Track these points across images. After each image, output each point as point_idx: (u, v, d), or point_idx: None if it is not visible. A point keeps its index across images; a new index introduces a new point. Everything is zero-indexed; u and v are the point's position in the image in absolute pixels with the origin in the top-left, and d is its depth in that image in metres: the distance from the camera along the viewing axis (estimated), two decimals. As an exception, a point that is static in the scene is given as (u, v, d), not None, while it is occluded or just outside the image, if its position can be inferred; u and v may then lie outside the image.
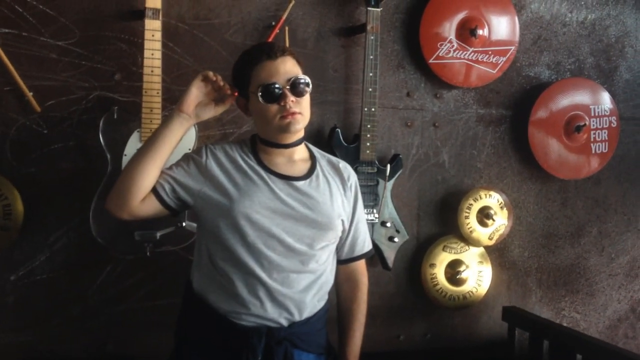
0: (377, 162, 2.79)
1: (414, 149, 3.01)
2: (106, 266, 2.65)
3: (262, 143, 2.03)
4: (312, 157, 2.10)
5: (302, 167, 2.05)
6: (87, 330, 2.66)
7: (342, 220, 2.08)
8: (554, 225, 3.27)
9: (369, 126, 2.74)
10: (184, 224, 2.49)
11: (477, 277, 3.07)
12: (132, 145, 2.48)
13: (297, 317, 2.00)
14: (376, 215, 2.79)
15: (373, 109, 2.73)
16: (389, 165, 2.80)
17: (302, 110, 1.96)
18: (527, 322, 2.97)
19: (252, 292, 1.94)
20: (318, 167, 2.08)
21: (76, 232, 2.61)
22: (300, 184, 2.00)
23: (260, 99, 1.92)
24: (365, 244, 2.21)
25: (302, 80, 1.94)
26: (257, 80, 1.94)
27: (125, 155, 2.48)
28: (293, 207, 1.97)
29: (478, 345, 3.16)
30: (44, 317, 2.62)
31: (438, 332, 3.11)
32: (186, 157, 2.04)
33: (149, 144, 1.97)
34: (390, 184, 2.83)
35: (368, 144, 2.75)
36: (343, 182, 2.12)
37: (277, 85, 1.91)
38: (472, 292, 3.07)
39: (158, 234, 2.49)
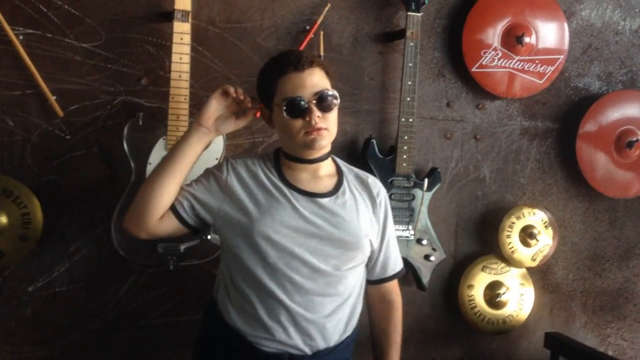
0: (413, 176, 2.65)
1: (453, 162, 2.87)
2: (127, 279, 2.55)
3: (285, 157, 1.93)
4: (339, 172, 1.99)
5: (327, 183, 1.94)
6: (107, 346, 2.57)
7: (370, 240, 1.96)
8: (601, 247, 3.11)
9: (406, 137, 2.61)
10: (209, 237, 2.37)
11: (518, 300, 2.92)
12: (157, 153, 2.39)
13: (321, 345, 1.88)
14: (412, 232, 2.66)
15: (411, 119, 2.60)
16: (426, 180, 2.67)
17: (328, 125, 1.84)
18: (571, 349, 2.80)
19: (273, 317, 1.84)
20: (345, 182, 1.96)
21: (97, 243, 2.52)
22: (325, 201, 1.89)
23: (284, 113, 1.81)
24: (397, 263, 2.10)
25: (329, 94, 1.83)
26: (282, 93, 1.84)
27: (150, 163, 2.39)
28: (317, 225, 1.85)
29: (518, 372, 3.01)
30: (62, 331, 2.53)
31: (475, 357, 2.97)
32: (207, 173, 1.97)
33: (167, 160, 1.90)
34: (427, 199, 2.68)
35: (405, 156, 2.62)
36: (372, 198, 2.00)
37: (302, 99, 1.80)
38: (512, 315, 2.92)
39: (182, 247, 2.40)
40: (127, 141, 2.40)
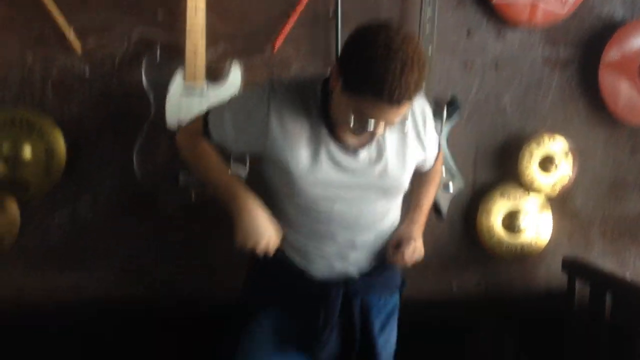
0: (432, 106, 2.61)
1: (473, 93, 2.83)
2: (150, 210, 2.60)
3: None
4: None
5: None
6: (132, 273, 2.66)
7: (412, 168, 1.97)
8: (621, 174, 3.07)
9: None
10: (229, 169, 2.41)
11: (537, 226, 2.92)
12: (175, 87, 2.42)
13: (368, 268, 1.98)
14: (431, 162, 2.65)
15: (430, 50, 2.56)
16: (445, 109, 2.64)
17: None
18: (589, 273, 2.83)
19: (317, 251, 1.92)
20: None
21: (120, 176, 2.57)
22: (365, 149, 1.85)
23: (350, 118, 1.68)
24: (435, 154, 2.13)
25: (398, 122, 1.74)
26: (363, 107, 1.65)
27: (169, 97, 2.40)
28: (359, 176, 1.85)
29: (535, 297, 3.04)
30: (88, 261, 2.63)
31: (493, 283, 3.00)
32: (246, 112, 1.85)
33: (209, 180, 1.98)
34: (446, 130, 2.68)
35: (424, 87, 2.58)
36: (414, 121, 1.94)
37: (371, 127, 1.67)
38: (530, 242, 2.93)
39: (203, 179, 2.43)
40: (145, 75, 2.42)
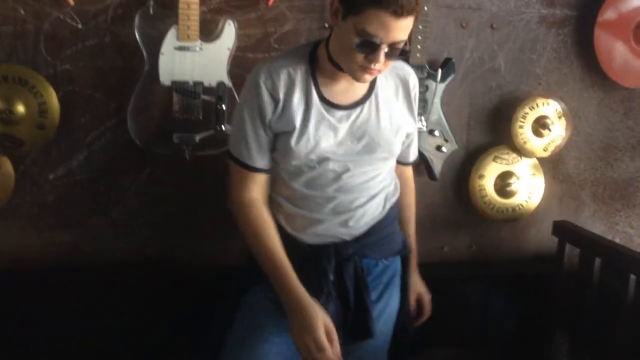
0: (427, 67, 2.61)
1: (468, 53, 2.80)
2: (145, 168, 2.61)
3: (329, 61, 1.83)
4: None
5: (360, 91, 1.91)
6: (126, 232, 2.65)
7: (406, 133, 2.01)
8: (614, 137, 3.07)
9: (420, 27, 2.55)
10: (223, 128, 2.41)
11: (528, 189, 2.94)
12: (169, 42, 2.40)
13: (360, 230, 1.97)
14: (424, 123, 2.65)
15: (425, 8, 2.53)
16: (440, 70, 2.62)
17: (383, 69, 1.77)
18: (579, 237, 2.84)
19: (309, 215, 1.92)
20: (379, 85, 1.93)
21: (113, 133, 2.55)
22: (356, 112, 1.88)
23: (355, 42, 1.68)
24: (415, 152, 2.18)
25: (401, 46, 1.72)
26: (366, 23, 1.65)
27: (162, 53, 2.39)
28: (353, 139, 1.88)
29: (525, 259, 3.07)
30: (84, 217, 2.62)
31: (484, 245, 3.02)
32: (251, 110, 1.87)
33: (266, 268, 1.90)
34: (440, 91, 2.66)
35: (419, 46, 2.57)
36: (407, 94, 2.00)
37: (377, 42, 1.67)
38: (522, 205, 2.94)
39: (197, 137, 2.43)
40: (138, 30, 2.40)
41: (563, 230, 2.92)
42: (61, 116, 2.46)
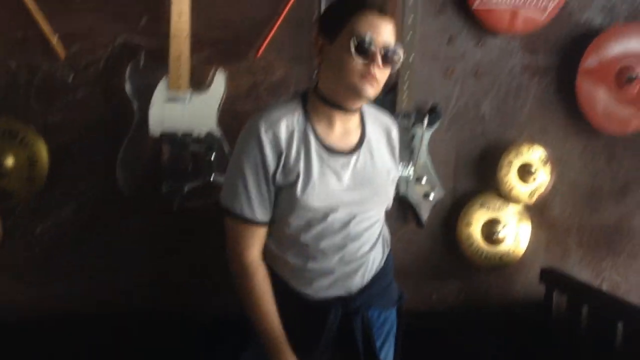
0: (414, 114, 2.65)
1: (454, 100, 2.85)
2: (133, 219, 2.59)
3: (323, 102, 1.86)
4: (362, 120, 1.97)
5: (354, 137, 1.93)
6: (114, 285, 2.63)
7: (394, 182, 2.05)
8: (598, 183, 3.11)
9: (406, 75, 2.60)
10: (212, 178, 2.42)
11: (515, 236, 2.96)
12: (160, 93, 2.42)
13: (366, 280, 1.97)
14: (411, 171, 2.68)
15: (411, 57, 2.58)
16: (426, 117, 2.66)
17: (381, 80, 1.79)
18: (566, 285, 2.87)
19: (315, 270, 1.91)
20: (367, 133, 1.96)
21: (102, 184, 2.54)
22: (354, 159, 1.90)
23: (352, 47, 1.73)
24: (392, 198, 2.14)
25: (397, 51, 1.78)
26: (356, 28, 1.74)
27: (153, 104, 2.40)
28: (356, 185, 1.89)
29: (514, 307, 3.06)
30: (71, 270, 2.59)
31: (472, 292, 3.02)
32: (252, 163, 1.84)
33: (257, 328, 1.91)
34: (427, 138, 2.70)
35: (405, 94, 2.62)
36: (391, 142, 2.04)
37: (372, 47, 1.73)
38: (509, 251, 2.96)
39: (186, 187, 2.44)
40: (129, 82, 2.42)
41: (550, 277, 2.94)
42: (50, 168, 2.47)
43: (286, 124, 1.83)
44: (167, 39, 2.37)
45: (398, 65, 1.83)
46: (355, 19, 1.75)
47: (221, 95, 2.48)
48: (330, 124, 1.88)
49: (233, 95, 2.56)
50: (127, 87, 2.41)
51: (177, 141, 2.44)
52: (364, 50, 1.74)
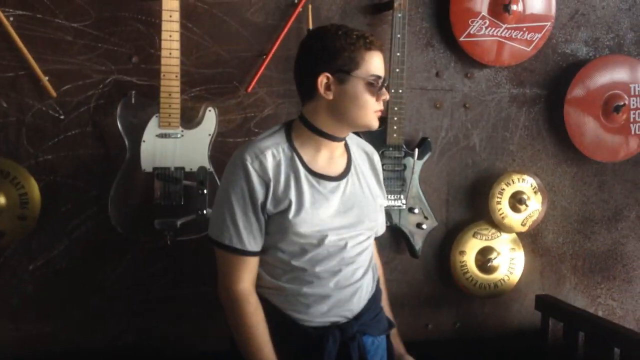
0: (404, 146, 2.67)
1: (443, 132, 2.89)
2: (126, 255, 2.59)
3: (310, 131, 1.89)
4: (347, 148, 2.02)
5: (341, 163, 1.97)
6: (107, 320, 2.61)
7: (381, 208, 2.09)
8: (590, 210, 3.14)
9: (396, 108, 2.62)
10: (205, 212, 2.42)
11: (509, 264, 2.97)
12: (151, 130, 2.43)
13: (360, 306, 1.98)
14: (403, 202, 2.69)
15: (400, 90, 2.61)
16: (416, 149, 2.68)
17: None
18: (562, 311, 2.86)
19: (316, 289, 1.90)
20: (353, 158, 2.01)
21: (95, 221, 2.54)
22: (343, 184, 1.93)
23: (368, 87, 1.84)
24: (384, 225, 2.18)
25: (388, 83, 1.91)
26: (370, 67, 1.84)
27: (144, 141, 2.41)
28: (345, 210, 1.91)
29: (510, 335, 3.07)
30: (63, 308, 2.58)
31: (468, 321, 3.02)
32: (240, 197, 1.86)
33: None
34: (418, 169, 2.72)
35: (395, 127, 2.64)
36: (374, 167, 2.09)
37: (381, 81, 1.86)
38: (503, 280, 2.96)
39: (179, 222, 2.43)
40: (120, 120, 2.42)
41: (545, 304, 2.94)
42: (42, 206, 2.46)
43: (272, 154, 1.86)
44: (158, 77, 2.39)
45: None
46: (365, 60, 1.84)
47: (212, 131, 2.49)
48: (316, 151, 1.91)
49: (224, 130, 2.59)
50: (119, 124, 2.41)
51: (169, 176, 2.44)
52: (377, 88, 1.84)
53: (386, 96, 1.88)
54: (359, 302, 1.97)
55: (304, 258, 1.87)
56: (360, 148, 2.09)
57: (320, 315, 1.91)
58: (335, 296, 1.91)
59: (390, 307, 2.25)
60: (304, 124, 1.91)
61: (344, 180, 1.94)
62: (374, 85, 1.84)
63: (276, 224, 1.86)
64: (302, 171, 1.87)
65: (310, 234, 1.85)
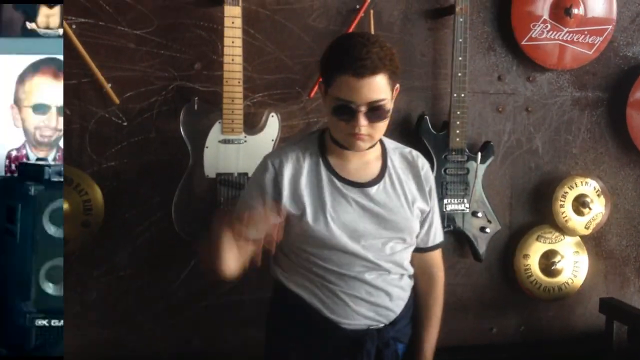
0: (467, 150, 2.66)
1: (506, 136, 2.86)
2: (190, 261, 2.59)
3: (333, 142, 1.86)
4: (384, 153, 1.94)
5: (374, 169, 1.91)
6: (172, 327, 2.62)
7: (419, 216, 1.96)
8: (654, 213, 3.09)
9: (458, 112, 2.61)
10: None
11: (573, 267, 2.93)
12: (214, 136, 2.43)
13: (397, 311, 1.93)
14: (467, 205, 2.67)
15: (462, 95, 2.60)
16: (479, 153, 2.66)
17: (373, 133, 1.77)
18: (626, 314, 2.81)
19: (348, 292, 1.86)
20: (390, 164, 1.93)
21: (158, 227, 2.55)
22: (374, 190, 1.87)
23: (333, 112, 1.75)
24: (437, 235, 2.07)
25: (381, 106, 1.73)
26: (336, 90, 1.72)
27: (207, 147, 2.42)
28: (370, 217, 1.85)
29: (574, 338, 3.04)
30: (128, 314, 2.59)
31: (532, 325, 2.99)
32: (258, 192, 1.87)
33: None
34: (481, 173, 2.70)
35: (458, 131, 2.62)
36: (417, 175, 1.96)
37: (352, 105, 1.71)
38: (567, 283, 2.93)
39: (243, 228, 2.42)
40: (183, 126, 2.43)
41: (610, 307, 2.89)
42: (106, 212, 2.48)
43: (296, 156, 1.87)
44: (220, 83, 2.39)
45: (388, 116, 1.78)
46: (335, 81, 1.72)
47: (275, 136, 2.49)
48: (344, 158, 1.88)
49: (287, 136, 2.58)
50: (182, 130, 2.42)
51: (232, 181, 2.45)
52: (344, 115, 1.73)
53: (357, 124, 1.71)
54: (395, 307, 1.92)
55: (330, 260, 1.84)
56: (399, 153, 1.99)
57: (358, 314, 1.87)
58: (371, 298, 1.87)
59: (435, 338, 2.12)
60: (329, 132, 1.89)
61: (375, 186, 1.88)
62: (338, 110, 1.73)
63: (297, 226, 1.83)
64: (325, 176, 1.85)
65: (338, 237, 1.81)
